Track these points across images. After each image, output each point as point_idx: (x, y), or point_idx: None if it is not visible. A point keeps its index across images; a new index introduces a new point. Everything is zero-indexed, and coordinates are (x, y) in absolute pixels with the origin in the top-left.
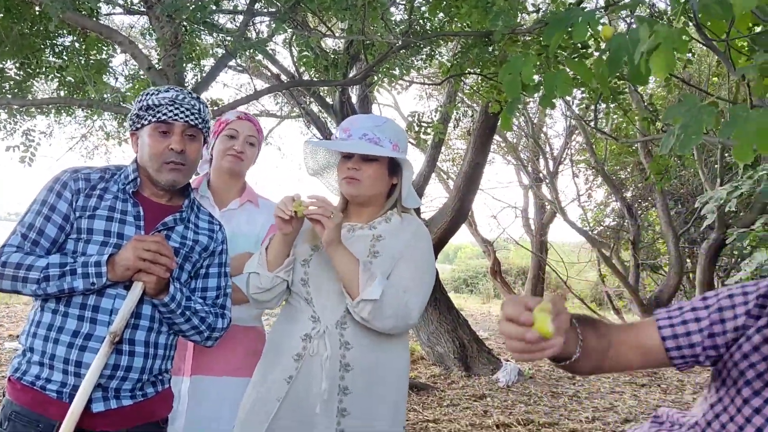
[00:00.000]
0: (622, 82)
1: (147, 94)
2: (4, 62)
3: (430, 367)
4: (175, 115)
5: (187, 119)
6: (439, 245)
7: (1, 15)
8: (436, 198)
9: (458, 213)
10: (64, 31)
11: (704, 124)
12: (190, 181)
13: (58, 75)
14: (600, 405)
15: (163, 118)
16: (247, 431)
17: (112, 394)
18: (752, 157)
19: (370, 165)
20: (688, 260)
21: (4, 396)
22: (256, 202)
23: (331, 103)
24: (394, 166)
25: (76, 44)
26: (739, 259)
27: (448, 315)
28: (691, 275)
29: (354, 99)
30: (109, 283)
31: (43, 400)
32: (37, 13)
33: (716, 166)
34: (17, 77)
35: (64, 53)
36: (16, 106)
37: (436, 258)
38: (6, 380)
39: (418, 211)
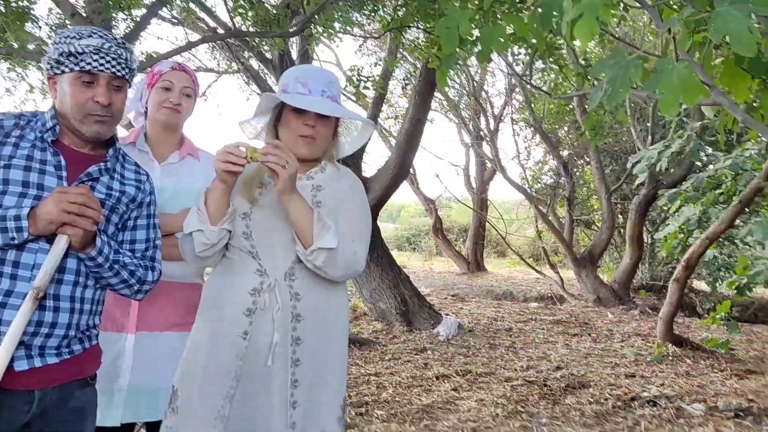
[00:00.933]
0: (557, 38)
1: (67, 38)
2: None
3: (373, 323)
4: (101, 65)
5: (114, 70)
6: (381, 203)
7: None
8: (377, 156)
9: (400, 170)
10: None
11: (631, 77)
12: (125, 135)
13: None
14: (534, 354)
15: (88, 68)
16: (211, 391)
17: (37, 352)
18: (678, 110)
19: (326, 123)
20: (619, 216)
21: None
22: (197, 155)
23: (270, 58)
24: (336, 120)
25: None
26: (668, 214)
27: (390, 272)
28: (622, 230)
29: (294, 55)
30: (31, 238)
31: None
32: None
33: (648, 124)
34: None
35: None
36: None
37: (377, 216)
38: None
39: (359, 167)
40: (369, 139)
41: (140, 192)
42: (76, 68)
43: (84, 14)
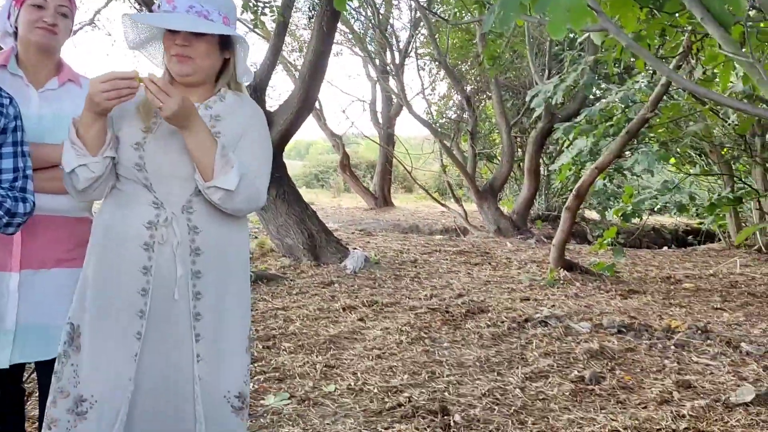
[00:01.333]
0: None
1: None
2: None
3: (280, 259)
4: None
5: None
6: (285, 137)
7: None
8: (282, 91)
9: (304, 104)
10: None
11: (523, 0)
12: None
13: None
14: (438, 284)
15: None
16: (120, 329)
17: None
18: (564, 32)
19: (200, 41)
20: (519, 149)
21: None
22: (78, 82)
23: None
24: (225, 41)
25: None
26: (563, 147)
27: (297, 207)
28: (521, 163)
29: None
30: None
31: None
32: None
33: (545, 59)
34: None
35: None
36: None
37: (282, 151)
38: None
39: (263, 101)
40: (247, 52)
41: (2, 117)
42: None
43: None
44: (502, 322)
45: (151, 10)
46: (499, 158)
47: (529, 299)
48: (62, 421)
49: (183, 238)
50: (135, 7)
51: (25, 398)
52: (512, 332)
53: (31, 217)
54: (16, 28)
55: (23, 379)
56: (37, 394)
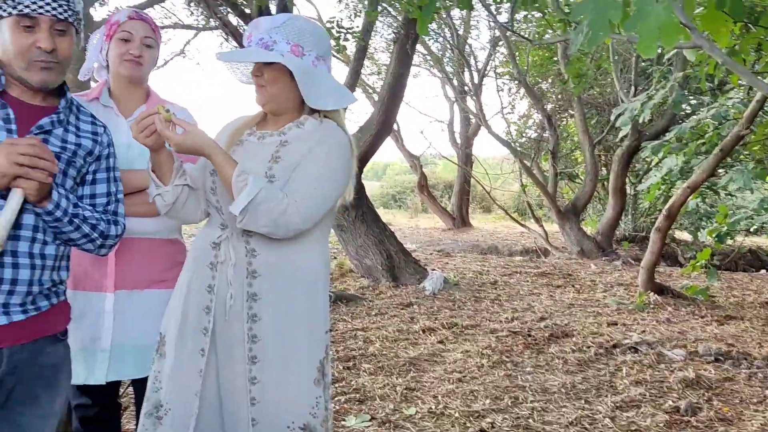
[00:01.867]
0: None
1: None
2: None
3: (359, 280)
4: (40, 7)
5: (55, 12)
6: (364, 160)
7: None
8: (361, 114)
9: (383, 126)
10: None
11: (612, 19)
12: (89, 90)
13: None
14: (519, 306)
15: (26, 10)
16: (189, 345)
17: (1, 310)
18: (656, 52)
19: (268, 69)
20: (603, 168)
21: None
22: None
23: (249, 12)
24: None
25: None
26: (651, 166)
27: (375, 228)
28: (605, 182)
29: (273, 10)
30: None
31: None
32: None
33: (631, 75)
34: None
35: None
36: None
37: (361, 173)
38: None
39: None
40: (316, 75)
41: (98, 145)
42: (14, 11)
43: None
44: (588, 347)
45: (242, 44)
46: (582, 177)
47: (616, 324)
48: (145, 424)
49: (239, 260)
50: (222, 36)
51: (121, 412)
52: (599, 358)
53: (121, 238)
54: (108, 61)
55: (119, 394)
56: (131, 408)
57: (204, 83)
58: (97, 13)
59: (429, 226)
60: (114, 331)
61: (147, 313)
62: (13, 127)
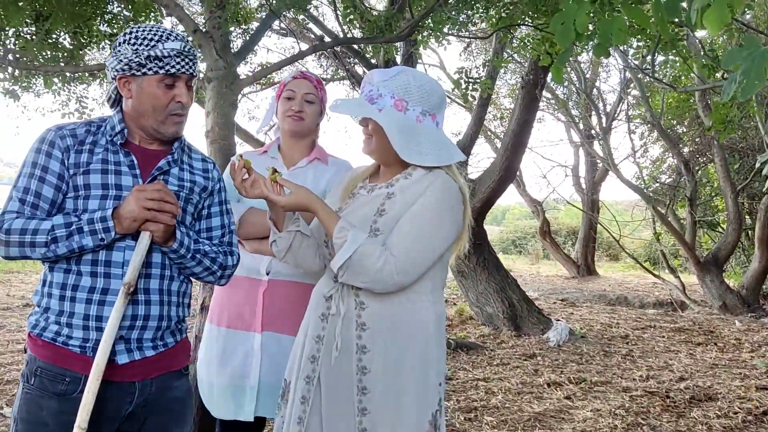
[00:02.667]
0: (680, 28)
1: (148, 40)
2: (57, 32)
3: (480, 327)
4: (182, 67)
5: (191, 70)
6: (486, 206)
7: None
8: (483, 158)
9: (506, 173)
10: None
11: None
12: (261, 148)
13: (108, 42)
14: (654, 364)
15: (172, 71)
16: (295, 388)
17: (135, 345)
18: None
19: (372, 121)
20: (747, 216)
21: (26, 352)
22: (325, 160)
23: (376, 63)
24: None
25: (125, 12)
26: None
27: (497, 275)
28: (750, 232)
29: (399, 60)
30: (118, 237)
31: (66, 354)
32: None
33: None
34: (70, 46)
35: (114, 21)
36: (68, 73)
37: (483, 219)
38: (28, 337)
39: (464, 170)
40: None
41: (210, 180)
42: (161, 71)
43: (204, 30)
44: (735, 413)
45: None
46: (723, 226)
47: (766, 389)
48: None
49: (349, 312)
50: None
51: None
52: (748, 426)
53: (295, 288)
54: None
55: (262, 430)
56: None
57: (329, 130)
58: (241, 69)
59: (551, 273)
60: (262, 369)
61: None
62: (137, 171)
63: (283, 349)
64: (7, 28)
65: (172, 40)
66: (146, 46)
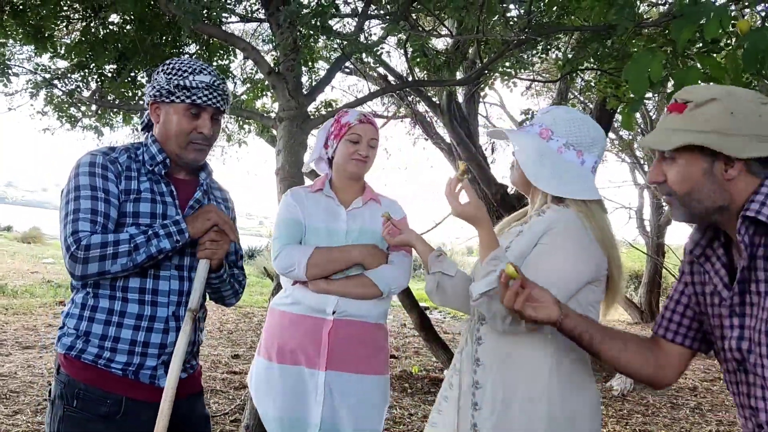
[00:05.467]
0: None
1: (181, 71)
2: (137, 71)
3: None
4: (209, 99)
5: (218, 104)
6: None
7: (135, 27)
8: None
9: None
10: (190, 41)
11: None
12: (311, 183)
13: None
14: (725, 419)
15: (198, 102)
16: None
17: (188, 366)
18: None
19: (516, 151)
20: None
21: (59, 372)
22: (378, 200)
23: (438, 102)
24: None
25: (200, 52)
26: None
27: None
28: None
29: (460, 98)
30: (189, 241)
31: (107, 377)
32: (166, 23)
33: None
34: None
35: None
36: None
37: None
38: (61, 358)
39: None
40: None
41: (228, 210)
42: (187, 101)
43: (278, 71)
44: None
45: (428, 134)
46: None
47: None
48: None
49: (469, 346)
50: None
51: None
52: None
53: (358, 328)
54: (331, 156)
55: None
56: None
57: (388, 167)
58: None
59: (613, 318)
60: (324, 407)
61: (362, 397)
62: (177, 201)
63: (346, 387)
64: (92, 66)
65: (204, 74)
66: (178, 76)
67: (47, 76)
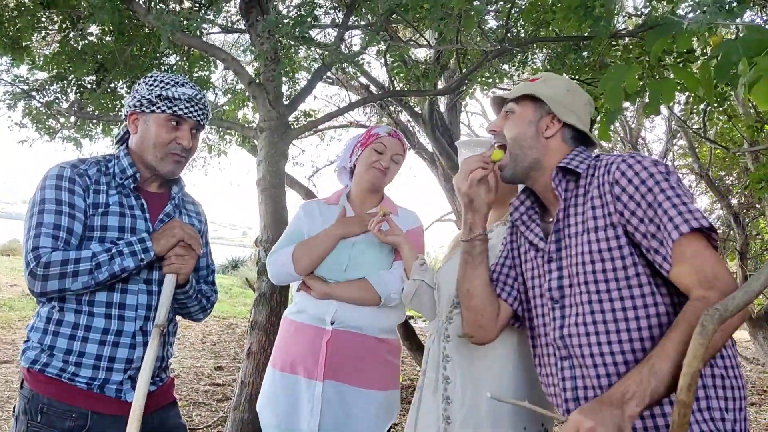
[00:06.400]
0: (728, 87)
1: (163, 83)
2: (116, 82)
3: None
4: (190, 112)
5: (199, 118)
6: None
7: (114, 38)
8: None
9: None
10: (170, 51)
11: None
12: (327, 196)
13: None
14: None
15: (179, 113)
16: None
17: (156, 380)
18: None
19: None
20: None
21: (22, 386)
22: (396, 211)
23: (420, 112)
24: None
25: (180, 63)
26: None
27: None
28: None
29: (443, 108)
30: (154, 258)
31: (73, 391)
32: (146, 34)
33: None
34: (128, 95)
35: (170, 72)
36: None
37: None
38: (24, 372)
39: None
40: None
41: (201, 223)
42: (168, 111)
43: (258, 81)
44: None
45: (411, 143)
46: None
47: None
48: None
49: (438, 344)
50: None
51: None
52: None
53: (361, 340)
54: (353, 166)
55: None
56: None
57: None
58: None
59: None
60: (322, 417)
61: (358, 410)
62: (147, 215)
63: (343, 398)
64: (71, 78)
65: (186, 87)
66: (160, 87)
67: (25, 87)
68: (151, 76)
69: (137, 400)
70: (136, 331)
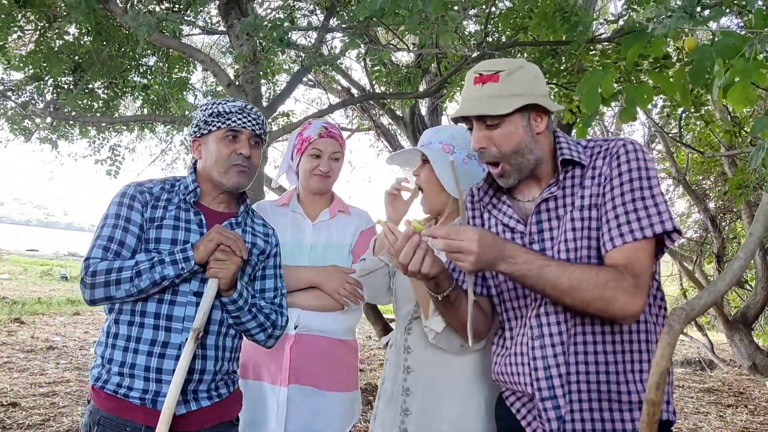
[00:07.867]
0: (704, 92)
1: (215, 103)
2: (93, 82)
3: None
4: (244, 123)
5: (254, 128)
6: None
7: (92, 38)
8: None
9: None
10: (149, 52)
11: None
12: (278, 198)
13: (143, 93)
14: (684, 426)
15: (233, 125)
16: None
17: (191, 397)
18: None
19: (423, 170)
20: None
21: (89, 402)
22: (348, 211)
23: (401, 115)
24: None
25: (159, 64)
26: None
27: None
28: None
29: (423, 111)
30: (196, 268)
31: (127, 406)
32: (125, 35)
33: None
34: (105, 96)
35: (149, 73)
36: (104, 123)
37: None
38: (90, 389)
39: None
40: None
41: (268, 245)
42: (223, 126)
43: (238, 83)
44: None
45: (393, 146)
46: (752, 284)
47: None
48: None
49: (398, 355)
50: (374, 135)
51: None
52: None
53: (323, 343)
54: (297, 170)
55: None
56: None
57: (352, 180)
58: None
59: None
60: (287, 423)
61: (323, 413)
62: (204, 230)
63: (308, 401)
64: (47, 78)
65: (237, 102)
66: (212, 106)
67: (0, 87)
68: (205, 104)
69: (167, 402)
70: (182, 342)
